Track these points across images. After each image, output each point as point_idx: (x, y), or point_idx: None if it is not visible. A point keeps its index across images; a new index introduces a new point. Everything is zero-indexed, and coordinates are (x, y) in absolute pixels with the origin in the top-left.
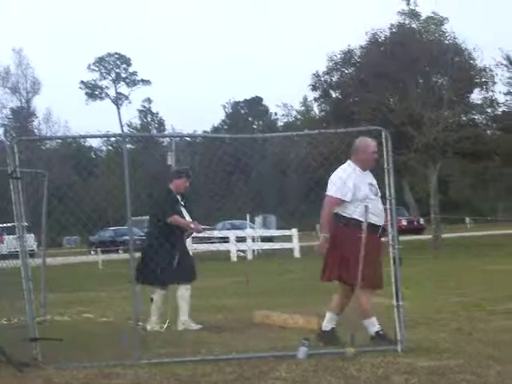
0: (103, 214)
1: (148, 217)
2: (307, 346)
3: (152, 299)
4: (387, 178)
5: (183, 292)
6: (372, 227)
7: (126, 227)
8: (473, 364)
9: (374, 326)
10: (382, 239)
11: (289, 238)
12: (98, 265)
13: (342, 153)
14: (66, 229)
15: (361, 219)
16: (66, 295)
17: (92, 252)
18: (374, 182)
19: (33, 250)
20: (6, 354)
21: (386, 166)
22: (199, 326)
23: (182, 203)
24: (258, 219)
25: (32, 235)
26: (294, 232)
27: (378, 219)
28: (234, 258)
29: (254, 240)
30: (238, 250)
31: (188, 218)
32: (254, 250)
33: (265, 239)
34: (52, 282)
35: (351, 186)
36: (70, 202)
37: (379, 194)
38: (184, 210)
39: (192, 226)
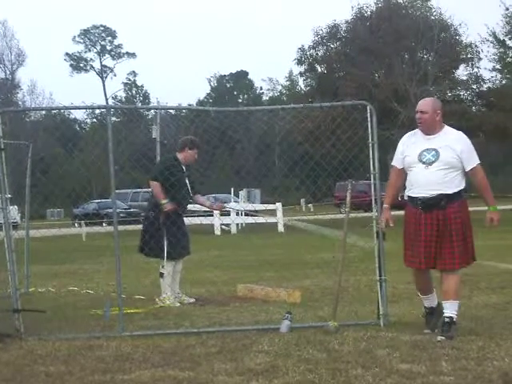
0: (87, 187)
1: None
2: (290, 320)
3: (162, 274)
4: (371, 153)
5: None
6: None
7: (109, 200)
8: (455, 339)
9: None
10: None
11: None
12: (81, 237)
13: (327, 127)
14: (50, 201)
15: None
16: (49, 267)
17: (76, 224)
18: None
19: (16, 222)
20: None
21: (370, 140)
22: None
23: (187, 174)
24: (243, 193)
25: (15, 207)
26: (278, 206)
27: None
28: (217, 231)
29: (237, 214)
30: (222, 224)
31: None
32: (237, 224)
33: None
34: (35, 254)
35: None
36: (54, 174)
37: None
38: (188, 182)
39: (163, 201)
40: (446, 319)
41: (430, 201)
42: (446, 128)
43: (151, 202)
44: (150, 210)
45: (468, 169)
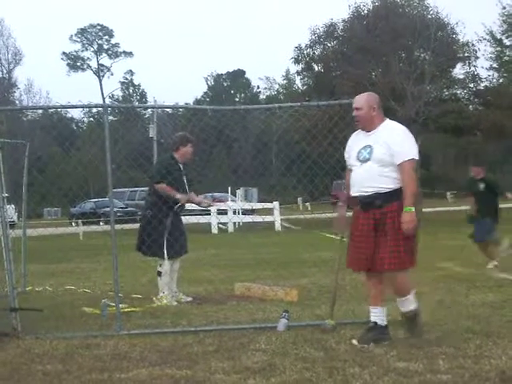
0: (84, 186)
1: (149, 185)
2: (287, 318)
3: (159, 273)
4: None
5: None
6: None
7: (106, 199)
8: (452, 337)
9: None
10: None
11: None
12: (78, 236)
13: (324, 125)
14: (47, 200)
15: None
16: (46, 266)
17: (73, 223)
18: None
19: (13, 221)
20: None
21: None
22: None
23: (184, 172)
24: (240, 192)
25: (12, 206)
26: (275, 205)
27: None
28: (214, 230)
29: (235, 213)
30: (219, 223)
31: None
32: (235, 223)
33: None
34: (32, 253)
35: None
36: (51, 173)
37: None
38: (185, 180)
39: (178, 196)
40: (371, 323)
41: (366, 199)
42: (386, 122)
43: (148, 201)
44: (148, 208)
45: (397, 164)
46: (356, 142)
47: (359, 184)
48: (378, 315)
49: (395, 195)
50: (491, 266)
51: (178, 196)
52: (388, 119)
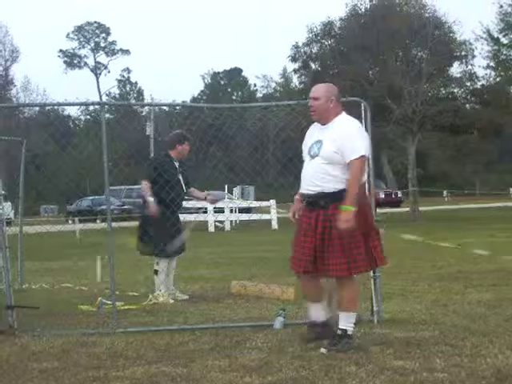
0: (81, 183)
1: None
2: (284, 317)
3: (156, 271)
4: None
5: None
6: None
7: (103, 197)
8: (448, 336)
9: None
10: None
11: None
12: (75, 234)
13: None
14: (44, 197)
15: None
16: (43, 264)
17: (69, 221)
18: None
19: (10, 218)
20: None
21: None
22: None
23: (180, 170)
24: (236, 190)
25: (9, 203)
26: (272, 203)
27: None
28: (211, 228)
29: (232, 211)
30: (216, 221)
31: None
32: (231, 221)
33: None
34: (29, 251)
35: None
36: (48, 170)
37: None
38: (181, 178)
39: (150, 199)
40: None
41: (311, 198)
42: (341, 116)
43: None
44: (146, 207)
45: (347, 162)
46: (311, 134)
47: (306, 181)
48: (317, 312)
49: (343, 196)
50: None
51: (150, 200)
52: (344, 113)
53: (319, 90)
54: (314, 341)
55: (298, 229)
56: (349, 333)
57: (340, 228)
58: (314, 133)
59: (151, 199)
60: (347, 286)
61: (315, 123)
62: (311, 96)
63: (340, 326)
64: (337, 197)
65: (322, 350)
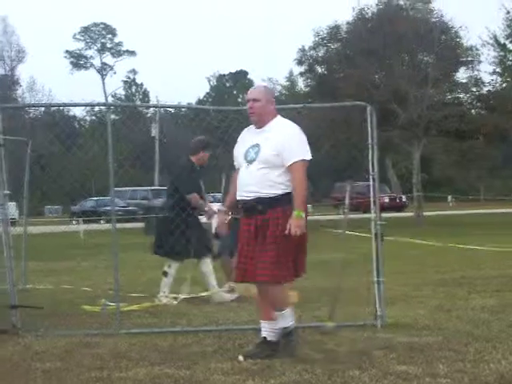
0: (86, 184)
1: (168, 187)
2: None
3: (166, 273)
4: (371, 154)
5: (207, 266)
6: None
7: (108, 197)
8: (452, 341)
9: None
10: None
11: None
12: (79, 234)
13: (327, 127)
14: (48, 198)
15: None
16: (47, 264)
17: (74, 222)
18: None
19: (14, 219)
20: None
21: (370, 141)
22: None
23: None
24: None
25: (14, 203)
26: None
27: None
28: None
29: None
30: None
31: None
32: None
33: None
34: (33, 251)
35: None
36: (53, 171)
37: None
38: (202, 185)
39: (206, 209)
40: (260, 339)
41: (247, 204)
42: (277, 119)
43: (167, 204)
44: (166, 210)
45: (287, 165)
46: (246, 139)
47: (243, 187)
48: (267, 330)
49: (281, 201)
50: None
51: (206, 209)
52: (280, 116)
53: (259, 91)
54: (257, 359)
55: (240, 238)
56: (290, 329)
57: (292, 234)
58: (248, 137)
59: (207, 209)
60: (276, 291)
61: (249, 127)
62: (251, 97)
63: (280, 326)
64: (275, 201)
65: (240, 357)
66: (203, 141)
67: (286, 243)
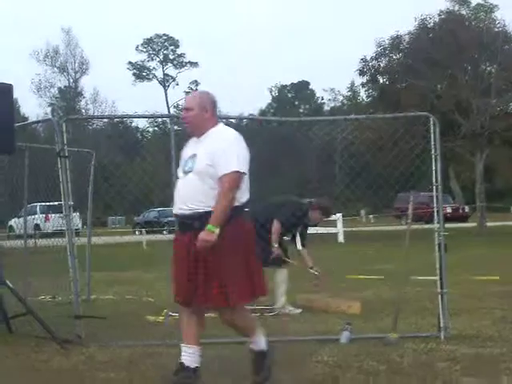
0: (149, 195)
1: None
2: (350, 331)
3: (276, 283)
4: (434, 165)
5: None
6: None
7: (170, 208)
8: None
9: None
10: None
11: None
12: (142, 245)
13: (389, 138)
14: (112, 208)
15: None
16: (110, 274)
17: (136, 232)
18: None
19: (78, 229)
20: (50, 331)
21: (433, 152)
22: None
23: None
24: None
25: (77, 214)
26: (338, 216)
27: None
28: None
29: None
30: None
31: None
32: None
33: None
34: (97, 261)
35: None
36: (116, 181)
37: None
38: None
39: (275, 245)
40: (178, 364)
41: (183, 219)
42: (217, 128)
43: (263, 215)
44: (261, 223)
45: (219, 176)
46: (187, 149)
47: (178, 201)
48: (188, 356)
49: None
50: None
51: (276, 245)
52: (222, 124)
53: (192, 99)
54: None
55: (173, 255)
56: (262, 354)
57: (197, 246)
58: (189, 147)
59: (276, 245)
60: (225, 316)
61: (192, 138)
62: (184, 106)
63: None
64: (210, 217)
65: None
66: (326, 206)
67: (233, 261)
